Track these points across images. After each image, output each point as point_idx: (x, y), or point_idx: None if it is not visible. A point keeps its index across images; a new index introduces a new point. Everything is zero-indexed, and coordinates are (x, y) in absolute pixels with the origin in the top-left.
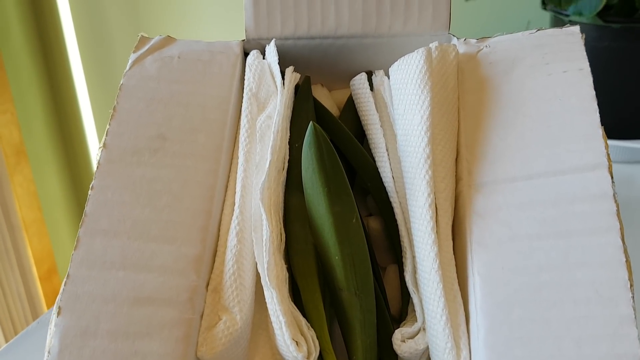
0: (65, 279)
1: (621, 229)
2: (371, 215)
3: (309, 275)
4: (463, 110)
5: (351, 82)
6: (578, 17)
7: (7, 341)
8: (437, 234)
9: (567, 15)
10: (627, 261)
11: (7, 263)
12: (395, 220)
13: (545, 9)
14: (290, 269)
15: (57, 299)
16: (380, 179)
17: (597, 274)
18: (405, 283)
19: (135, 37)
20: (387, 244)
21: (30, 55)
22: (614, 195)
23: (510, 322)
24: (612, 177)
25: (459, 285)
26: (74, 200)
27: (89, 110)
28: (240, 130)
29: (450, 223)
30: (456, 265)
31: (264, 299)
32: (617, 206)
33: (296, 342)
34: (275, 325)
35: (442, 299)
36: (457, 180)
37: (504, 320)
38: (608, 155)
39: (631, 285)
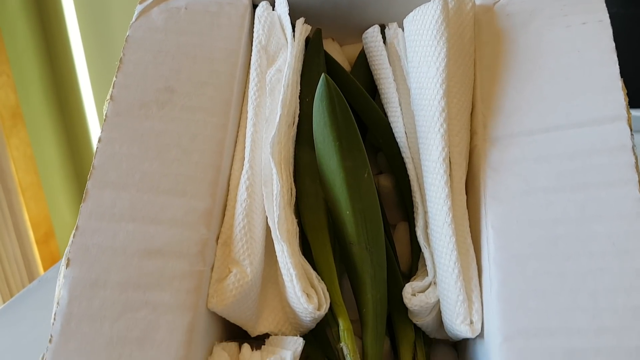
0: (74, 231)
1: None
2: (381, 173)
3: (320, 229)
4: (479, 62)
5: (363, 36)
6: None
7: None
8: (450, 187)
9: None
10: None
11: (3, 226)
12: (407, 177)
13: None
14: (300, 224)
15: (65, 251)
16: (393, 135)
17: (614, 227)
18: (415, 240)
19: None
20: (397, 201)
21: (26, 16)
22: (632, 147)
23: (525, 274)
24: (631, 130)
25: (472, 239)
26: (70, 164)
27: (85, 73)
28: (250, 83)
29: (464, 177)
30: (469, 219)
31: (274, 253)
32: (636, 158)
33: (307, 294)
34: (286, 278)
35: (454, 252)
36: (472, 134)
37: (519, 273)
38: (627, 107)
39: None
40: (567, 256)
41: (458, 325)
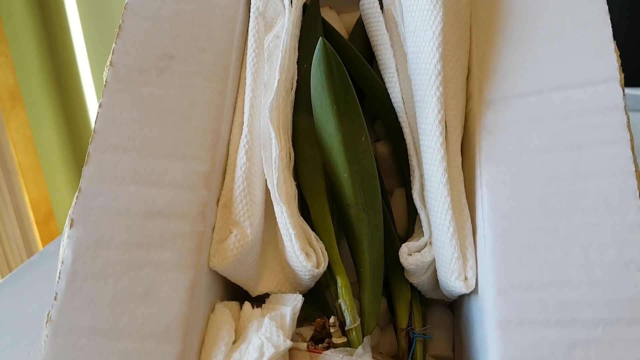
0: (77, 193)
1: (631, 140)
2: (379, 140)
3: (318, 192)
4: (475, 26)
5: (361, 2)
6: None
7: None
8: (446, 149)
9: None
10: (637, 171)
11: (3, 208)
12: (404, 142)
13: None
14: (299, 187)
15: (69, 213)
16: (390, 101)
17: (606, 184)
18: (411, 205)
19: None
20: (394, 167)
21: None
22: (624, 107)
23: (518, 231)
24: (623, 90)
25: (467, 199)
26: (69, 146)
27: (84, 53)
28: (248, 49)
29: (459, 140)
30: (465, 180)
31: (273, 216)
32: (628, 118)
33: (305, 253)
34: (285, 238)
35: (449, 212)
36: (468, 98)
37: (512, 230)
38: (620, 68)
39: None
40: (560, 213)
41: (453, 281)
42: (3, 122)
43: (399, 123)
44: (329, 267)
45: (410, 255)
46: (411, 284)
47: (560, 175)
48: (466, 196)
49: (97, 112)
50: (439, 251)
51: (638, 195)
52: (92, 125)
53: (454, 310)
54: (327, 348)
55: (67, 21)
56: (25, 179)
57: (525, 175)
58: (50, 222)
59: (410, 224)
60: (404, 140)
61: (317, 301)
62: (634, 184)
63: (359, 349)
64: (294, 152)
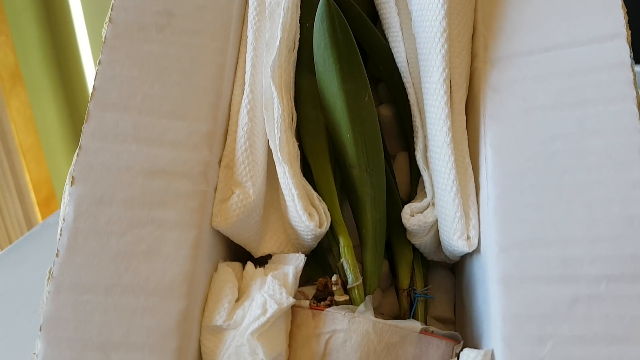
0: (77, 151)
1: (637, 97)
2: (382, 104)
3: (320, 154)
4: None
5: None
6: None
7: None
8: (450, 108)
9: None
10: None
11: (5, 189)
12: (407, 103)
13: None
14: (301, 149)
15: (69, 170)
16: (393, 61)
17: (611, 140)
18: (414, 168)
19: None
20: (397, 131)
21: None
22: (631, 64)
23: (522, 189)
24: (630, 47)
25: (471, 159)
26: (70, 127)
27: (84, 32)
28: (249, 7)
29: (464, 99)
30: (468, 140)
31: (276, 178)
32: (634, 75)
33: (308, 213)
34: (288, 198)
35: (452, 171)
36: (473, 57)
37: (515, 188)
38: (627, 25)
39: None
40: (564, 170)
41: (455, 240)
42: (4, 102)
43: (402, 84)
44: (331, 227)
45: (412, 216)
46: (413, 246)
47: (565, 133)
48: (470, 156)
49: (97, 70)
50: (442, 211)
51: None
52: None
53: (455, 272)
54: (330, 306)
55: (68, 0)
56: (26, 160)
57: (530, 133)
58: (52, 203)
59: (413, 187)
60: (407, 101)
61: (319, 263)
62: (639, 140)
63: (361, 307)
64: (297, 113)
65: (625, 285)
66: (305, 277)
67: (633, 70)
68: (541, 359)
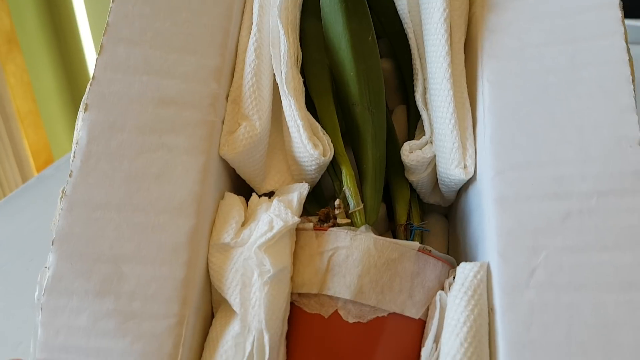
0: (90, 81)
1: (625, 33)
2: (382, 58)
3: (324, 93)
4: None
5: None
6: None
7: None
8: (450, 45)
9: None
10: (630, 60)
11: (4, 155)
12: (407, 52)
13: None
14: (306, 87)
15: (83, 98)
16: (394, 9)
17: (601, 72)
18: (412, 120)
19: None
20: (397, 84)
21: None
22: (619, 3)
23: (518, 118)
24: None
25: (469, 95)
26: (68, 92)
27: None
28: None
29: (462, 39)
30: (467, 78)
31: (280, 120)
32: (622, 13)
33: (313, 143)
34: (293, 130)
35: (451, 104)
36: (471, 3)
37: (511, 118)
38: None
39: (633, 80)
40: (557, 99)
41: (452, 170)
42: (0, 67)
43: (403, 34)
44: (333, 159)
45: (411, 152)
46: (410, 186)
47: (558, 66)
48: (468, 93)
49: (110, 7)
50: (440, 144)
51: (631, 80)
52: (90, 69)
53: (449, 218)
54: (333, 227)
55: None
56: (24, 126)
57: (525, 67)
58: None
59: (410, 137)
60: (407, 51)
61: (318, 201)
62: (627, 70)
63: (362, 227)
64: (302, 55)
65: (615, 199)
66: (305, 213)
67: (621, 9)
68: (535, 268)
